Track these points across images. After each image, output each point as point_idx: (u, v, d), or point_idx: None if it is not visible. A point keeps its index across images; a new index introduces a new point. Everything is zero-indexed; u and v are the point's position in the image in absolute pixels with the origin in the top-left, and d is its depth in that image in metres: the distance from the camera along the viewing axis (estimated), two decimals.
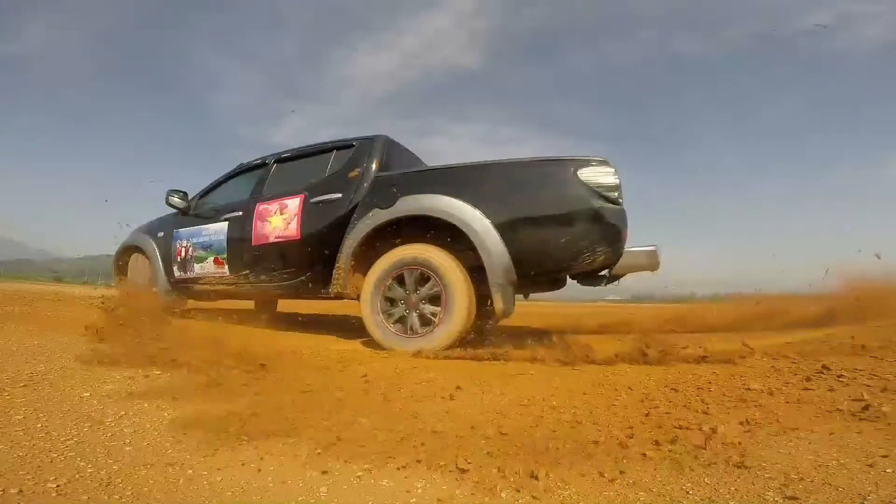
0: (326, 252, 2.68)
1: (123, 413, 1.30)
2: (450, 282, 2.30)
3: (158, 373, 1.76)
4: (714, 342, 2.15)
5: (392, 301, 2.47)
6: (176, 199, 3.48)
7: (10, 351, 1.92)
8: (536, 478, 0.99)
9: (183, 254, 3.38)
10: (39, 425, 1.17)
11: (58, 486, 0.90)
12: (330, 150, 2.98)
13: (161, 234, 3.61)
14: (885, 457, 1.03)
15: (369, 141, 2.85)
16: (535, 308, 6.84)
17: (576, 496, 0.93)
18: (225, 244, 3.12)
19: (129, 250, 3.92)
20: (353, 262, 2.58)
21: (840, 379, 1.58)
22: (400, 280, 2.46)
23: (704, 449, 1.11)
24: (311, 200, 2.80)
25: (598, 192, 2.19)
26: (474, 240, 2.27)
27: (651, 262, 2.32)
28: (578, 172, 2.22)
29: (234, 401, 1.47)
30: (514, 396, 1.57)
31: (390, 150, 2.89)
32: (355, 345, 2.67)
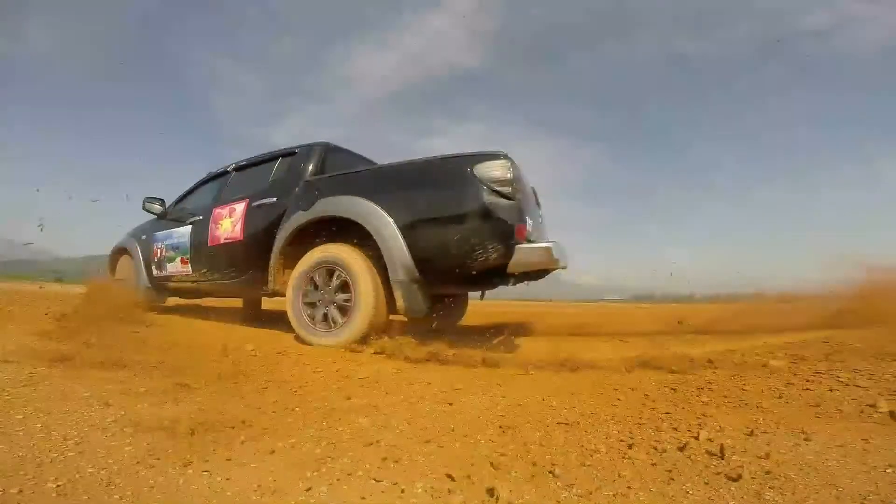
0: (263, 252, 2.82)
1: None
2: (358, 279, 2.38)
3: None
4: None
5: (312, 298, 2.58)
6: (152, 206, 3.83)
7: None
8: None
9: (158, 254, 3.69)
10: None
11: (58, 486, 0.90)
12: (276, 157, 3.17)
13: (144, 237, 3.95)
14: (886, 458, 1.03)
15: (309, 148, 3.03)
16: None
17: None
18: (189, 245, 3.39)
19: (119, 252, 4.28)
20: (281, 261, 2.74)
21: (840, 380, 1.58)
22: (319, 278, 2.57)
23: (704, 449, 1.11)
24: (253, 204, 3.00)
25: (492, 187, 2.18)
26: (377, 239, 2.35)
27: (547, 260, 2.18)
28: (474, 169, 2.22)
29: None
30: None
31: (330, 155, 3.03)
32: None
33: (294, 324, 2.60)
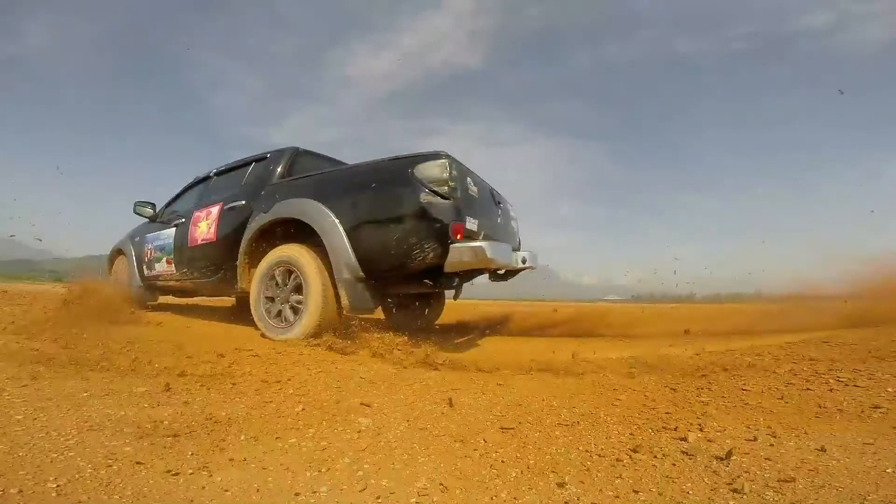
0: (234, 253, 2.95)
1: None
2: (308, 278, 2.47)
3: None
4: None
5: (271, 295, 2.72)
6: (143, 209, 4.02)
7: None
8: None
9: (148, 255, 3.89)
10: None
11: (58, 486, 0.90)
12: (250, 162, 3.32)
13: (137, 238, 4.16)
14: (886, 459, 1.03)
15: (279, 152, 3.16)
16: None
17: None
18: (172, 246, 3.56)
19: (116, 253, 4.49)
20: (247, 261, 2.88)
21: (840, 380, 1.58)
22: (277, 276, 2.69)
23: (704, 449, 1.11)
24: (225, 207, 3.15)
25: (430, 187, 2.22)
26: (324, 239, 2.44)
27: (477, 259, 2.17)
28: (414, 170, 2.27)
29: None
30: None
31: (298, 159, 3.16)
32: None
33: (256, 319, 2.73)
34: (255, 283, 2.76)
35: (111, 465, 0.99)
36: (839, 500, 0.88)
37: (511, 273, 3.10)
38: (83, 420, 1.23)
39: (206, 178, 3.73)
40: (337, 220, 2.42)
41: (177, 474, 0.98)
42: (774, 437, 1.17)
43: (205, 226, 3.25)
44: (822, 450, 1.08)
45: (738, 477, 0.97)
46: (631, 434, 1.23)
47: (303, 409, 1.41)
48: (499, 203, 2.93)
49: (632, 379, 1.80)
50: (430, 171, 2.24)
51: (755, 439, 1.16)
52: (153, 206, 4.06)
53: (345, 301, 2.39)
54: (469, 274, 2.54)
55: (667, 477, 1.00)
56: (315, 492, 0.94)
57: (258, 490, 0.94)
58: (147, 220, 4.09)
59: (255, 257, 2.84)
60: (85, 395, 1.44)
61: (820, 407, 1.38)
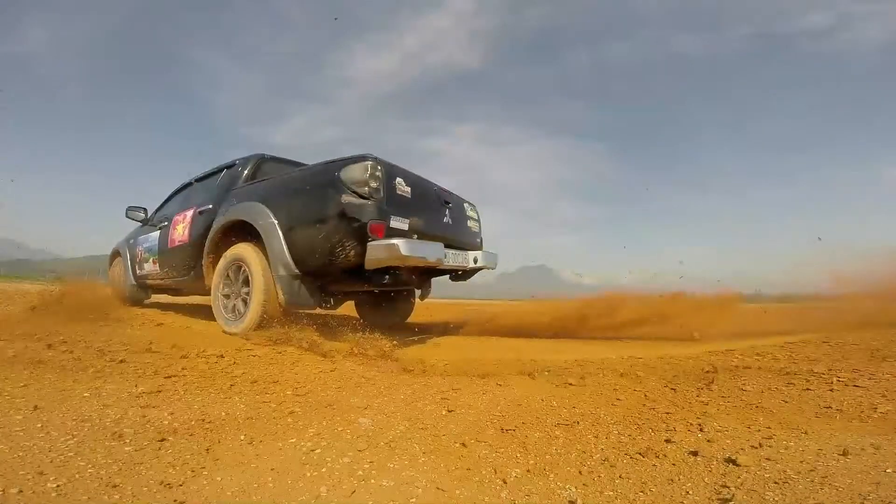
0: (202, 253, 3.14)
1: None
2: (253, 274, 2.64)
3: None
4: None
5: (226, 291, 2.92)
6: (135, 214, 4.29)
7: None
8: None
9: (139, 256, 4.16)
10: None
11: (58, 486, 0.90)
12: (222, 169, 3.53)
13: (132, 241, 4.40)
14: (886, 459, 1.03)
15: (245, 159, 3.37)
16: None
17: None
18: (157, 247, 3.80)
19: (114, 254, 4.81)
20: (210, 260, 3.08)
21: (840, 380, 1.58)
22: (231, 273, 2.87)
23: (704, 449, 1.11)
24: (197, 211, 3.38)
25: (351, 189, 2.33)
26: (264, 239, 2.62)
27: (391, 256, 2.26)
28: (340, 173, 2.40)
29: None
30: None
31: (264, 165, 3.36)
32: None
33: (215, 313, 2.93)
34: (214, 279, 2.97)
35: (111, 465, 0.99)
36: (839, 500, 0.88)
37: (469, 273, 3.28)
38: (83, 420, 1.23)
39: (188, 184, 4.00)
40: (275, 222, 2.60)
41: (176, 475, 0.98)
42: (774, 437, 1.17)
43: (181, 228, 3.50)
44: (822, 449, 1.08)
45: (739, 477, 0.97)
46: (630, 434, 1.23)
47: (301, 409, 1.41)
48: (447, 203, 3.02)
49: (625, 378, 1.80)
50: (353, 173, 2.36)
51: (755, 439, 1.16)
52: (144, 210, 4.34)
53: (281, 296, 2.54)
54: (410, 273, 2.70)
55: (667, 477, 1.00)
56: (315, 493, 0.94)
57: (258, 490, 0.94)
58: (140, 223, 4.36)
59: (217, 257, 3.04)
60: (86, 395, 1.44)
61: (820, 407, 1.38)
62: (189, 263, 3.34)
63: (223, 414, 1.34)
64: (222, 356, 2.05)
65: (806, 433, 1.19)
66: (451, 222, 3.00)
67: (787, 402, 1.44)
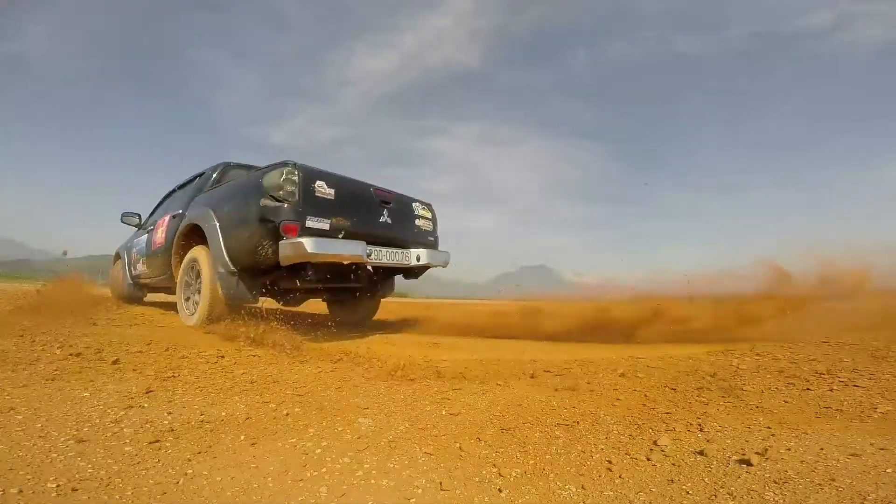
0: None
1: None
2: (203, 273, 2.90)
3: None
4: None
5: (187, 288, 3.19)
6: (130, 220, 4.76)
7: None
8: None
9: (133, 258, 4.52)
10: None
11: (58, 486, 0.90)
12: (196, 177, 3.87)
13: (129, 243, 4.79)
14: (886, 458, 1.03)
15: (213, 168, 3.68)
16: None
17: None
18: (145, 250, 4.14)
19: (116, 256, 5.25)
20: (177, 260, 3.37)
21: (840, 380, 1.58)
22: (191, 272, 3.13)
23: (705, 449, 1.11)
24: (171, 216, 3.69)
25: (270, 193, 2.56)
26: (208, 240, 2.89)
27: (296, 253, 2.47)
28: (262, 179, 2.65)
29: None
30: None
31: (229, 172, 3.64)
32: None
33: (178, 308, 3.24)
34: (178, 278, 3.26)
35: (111, 465, 0.99)
36: (839, 500, 0.88)
37: (417, 270, 3.48)
38: (83, 419, 1.23)
39: (172, 191, 4.35)
40: (217, 224, 2.88)
41: (176, 474, 0.98)
42: (774, 437, 1.17)
43: (160, 232, 3.78)
44: (822, 449, 1.08)
45: (738, 477, 0.97)
46: (631, 434, 1.23)
47: (301, 409, 1.41)
48: (385, 203, 3.15)
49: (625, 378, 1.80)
50: (271, 179, 2.58)
51: (755, 439, 1.16)
52: (139, 216, 4.77)
53: (220, 292, 2.77)
54: (341, 273, 2.93)
55: (667, 477, 1.00)
56: (315, 493, 0.94)
57: (258, 490, 0.94)
58: (136, 227, 4.76)
59: (181, 258, 3.31)
60: (86, 395, 1.44)
61: (820, 407, 1.38)
62: (165, 264, 3.61)
63: (223, 414, 1.34)
64: (222, 356, 2.05)
65: (806, 433, 1.19)
66: (390, 221, 3.14)
67: (787, 402, 1.44)
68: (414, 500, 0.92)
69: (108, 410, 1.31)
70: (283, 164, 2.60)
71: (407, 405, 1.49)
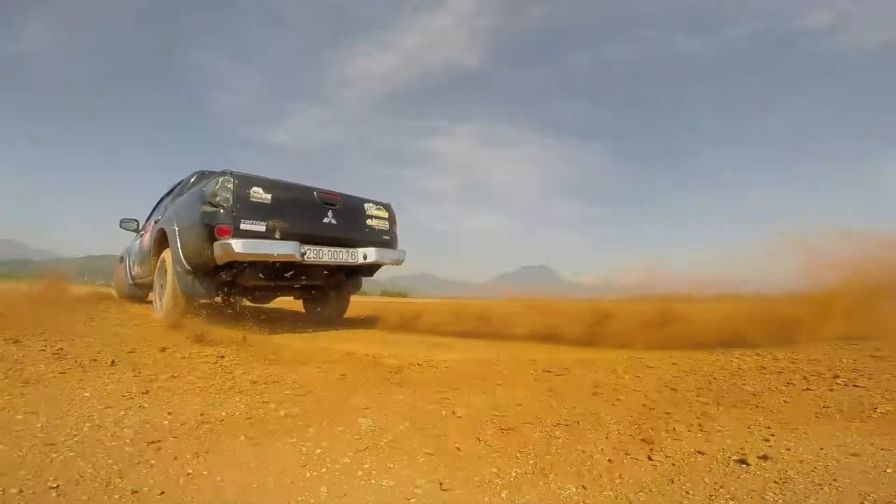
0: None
1: None
2: (167, 272, 3.17)
3: None
4: None
5: (161, 286, 3.42)
6: (128, 225, 5.13)
7: None
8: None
9: (131, 260, 4.88)
10: None
11: (58, 486, 0.90)
12: (178, 184, 4.17)
13: (130, 247, 5.15)
14: (886, 458, 1.03)
15: (190, 175, 3.97)
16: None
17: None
18: (138, 253, 4.47)
19: (120, 258, 5.61)
20: (154, 262, 3.63)
21: (840, 380, 1.58)
22: (162, 272, 3.38)
23: (705, 449, 1.11)
24: (154, 221, 3.97)
25: (208, 200, 2.80)
26: (169, 242, 3.15)
27: (224, 253, 2.69)
28: (205, 187, 2.90)
29: None
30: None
31: (201, 180, 3.73)
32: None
33: (154, 305, 3.57)
34: (154, 277, 3.55)
35: (112, 465, 0.99)
36: (839, 500, 0.88)
37: (369, 268, 3.68)
38: (84, 420, 1.23)
39: (163, 198, 4.61)
40: (176, 229, 3.14)
41: (176, 475, 0.98)
42: (774, 437, 1.17)
43: (147, 237, 4.06)
44: (822, 449, 1.08)
45: (738, 477, 0.97)
46: (631, 434, 1.23)
47: (301, 410, 1.41)
48: (331, 205, 3.33)
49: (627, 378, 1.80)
50: (211, 187, 2.82)
51: (755, 439, 1.16)
52: (137, 221, 5.11)
53: (178, 289, 3.00)
54: (287, 271, 3.16)
55: (667, 477, 1.00)
56: (315, 493, 0.94)
57: (258, 490, 0.94)
58: (134, 232, 5.07)
59: (157, 259, 3.57)
60: (86, 395, 1.44)
61: (820, 407, 1.38)
62: (153, 265, 3.83)
63: (223, 414, 1.34)
64: (222, 356, 2.05)
65: (806, 433, 1.18)
66: (335, 222, 3.33)
67: (787, 402, 1.44)
68: (414, 500, 0.92)
69: (109, 411, 1.31)
70: (223, 173, 2.85)
71: (407, 405, 1.49)
